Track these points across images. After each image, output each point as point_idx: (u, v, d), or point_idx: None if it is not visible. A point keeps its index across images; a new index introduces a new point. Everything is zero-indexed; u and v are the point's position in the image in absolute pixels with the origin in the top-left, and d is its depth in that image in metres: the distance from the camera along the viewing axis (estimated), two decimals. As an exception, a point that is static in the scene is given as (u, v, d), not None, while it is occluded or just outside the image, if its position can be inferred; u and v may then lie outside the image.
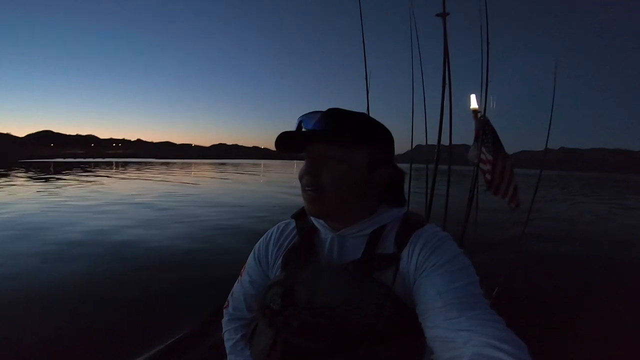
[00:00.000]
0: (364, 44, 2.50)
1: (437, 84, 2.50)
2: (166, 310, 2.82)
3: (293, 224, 0.79)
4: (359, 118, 0.67)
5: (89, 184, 14.92)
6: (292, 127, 0.68)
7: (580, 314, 2.86)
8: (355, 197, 0.67)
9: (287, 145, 0.68)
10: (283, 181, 19.67)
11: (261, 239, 0.82)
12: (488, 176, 2.67)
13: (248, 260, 0.84)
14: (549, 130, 2.92)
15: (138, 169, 30.08)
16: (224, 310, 0.86)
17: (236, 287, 0.85)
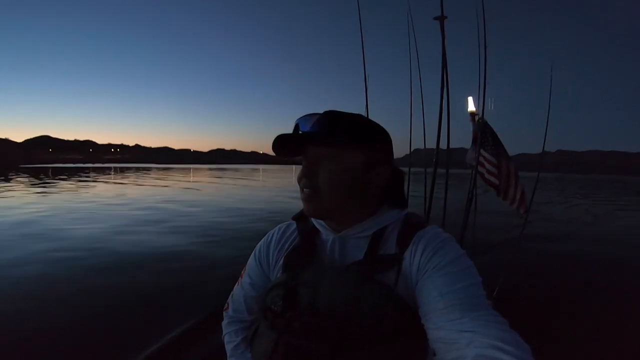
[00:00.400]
0: (363, 47, 2.51)
1: (436, 87, 2.51)
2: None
3: (294, 225, 0.79)
4: (353, 119, 0.67)
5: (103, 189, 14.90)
6: (290, 131, 0.68)
7: (580, 315, 2.85)
8: (351, 197, 0.67)
9: (285, 148, 0.68)
10: (290, 186, 19.63)
11: (262, 241, 0.82)
12: (494, 179, 2.65)
13: (249, 262, 0.83)
14: (545, 133, 2.93)
15: (148, 175, 30.16)
16: (224, 313, 0.85)
17: (236, 289, 0.84)
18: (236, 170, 52.23)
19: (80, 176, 26.60)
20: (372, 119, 0.72)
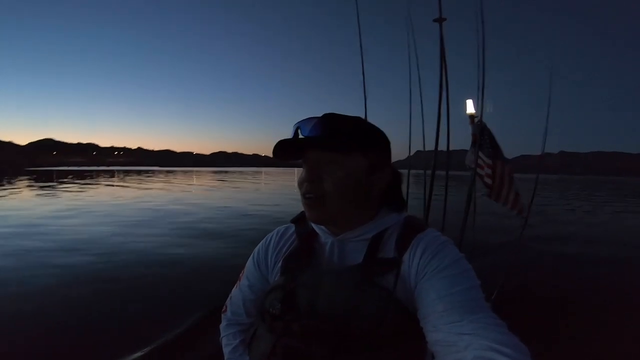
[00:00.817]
0: (362, 49, 2.52)
1: (435, 89, 2.51)
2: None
3: (292, 228, 0.79)
4: (355, 122, 0.67)
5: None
6: (291, 134, 0.68)
7: (580, 317, 2.84)
8: (355, 201, 0.67)
9: (285, 153, 0.68)
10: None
11: (260, 243, 0.82)
12: (488, 180, 2.65)
13: (247, 265, 0.83)
14: (545, 134, 2.92)
15: (156, 178, 30.23)
16: (222, 315, 0.85)
17: (235, 291, 0.84)
18: (240, 173, 52.25)
19: (94, 179, 26.70)
20: (372, 121, 0.72)
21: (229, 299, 0.85)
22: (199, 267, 4.30)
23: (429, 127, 2.62)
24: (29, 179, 24.78)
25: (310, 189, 0.65)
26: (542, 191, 20.18)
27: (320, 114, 0.67)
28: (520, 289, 3.25)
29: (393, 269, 0.63)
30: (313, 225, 0.74)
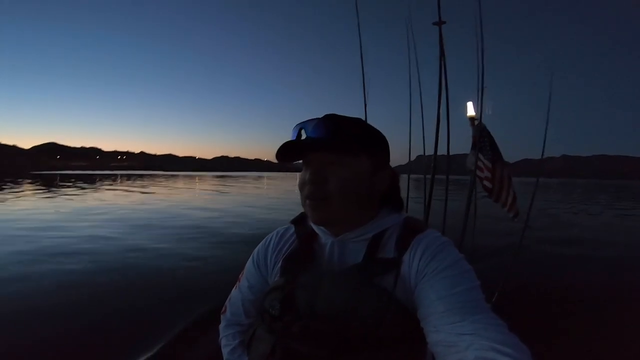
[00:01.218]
0: (362, 53, 2.53)
1: (436, 92, 2.51)
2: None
3: (292, 229, 0.79)
4: (357, 123, 0.67)
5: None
6: (292, 135, 0.67)
7: (581, 318, 2.82)
8: (358, 202, 0.67)
9: (288, 155, 0.68)
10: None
11: (260, 244, 0.82)
12: (488, 183, 2.66)
13: (247, 266, 0.83)
14: (545, 137, 2.92)
15: (169, 182, 30.16)
16: (222, 316, 0.84)
17: (234, 292, 0.83)
18: (243, 177, 52.30)
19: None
20: (373, 124, 0.72)
21: (228, 299, 0.85)
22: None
23: (429, 131, 2.62)
24: (34, 183, 24.77)
25: (314, 190, 0.65)
26: (544, 195, 20.23)
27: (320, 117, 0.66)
28: (520, 290, 3.24)
29: (393, 269, 0.63)
30: (313, 225, 0.73)
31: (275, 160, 0.69)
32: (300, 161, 0.69)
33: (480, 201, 2.75)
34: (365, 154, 0.66)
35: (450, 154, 2.65)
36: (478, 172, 2.64)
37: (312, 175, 0.65)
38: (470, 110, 2.64)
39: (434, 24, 2.43)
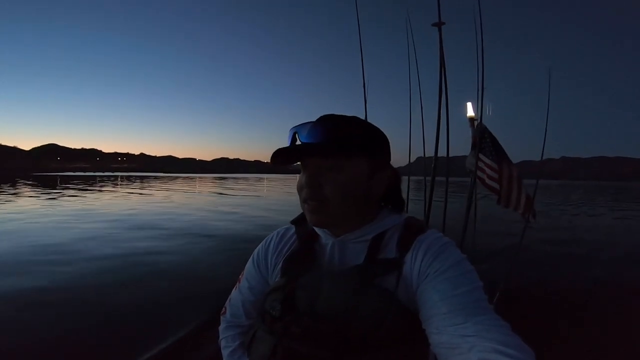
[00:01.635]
0: (362, 55, 2.53)
1: (435, 93, 2.51)
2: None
3: (293, 229, 0.79)
4: (353, 125, 0.66)
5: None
6: (288, 139, 0.67)
7: (583, 319, 2.83)
8: (357, 205, 0.66)
9: (284, 159, 0.67)
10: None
11: (260, 245, 0.81)
12: (494, 184, 2.59)
13: (247, 266, 0.82)
14: (544, 139, 2.92)
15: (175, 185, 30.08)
16: (221, 317, 0.84)
17: (234, 293, 0.83)
18: (245, 179, 52.27)
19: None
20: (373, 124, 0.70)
21: (228, 300, 0.84)
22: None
23: (429, 132, 2.61)
24: (34, 185, 24.74)
25: (311, 194, 0.65)
26: (543, 196, 20.29)
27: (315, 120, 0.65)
28: (522, 291, 3.25)
29: (394, 269, 0.63)
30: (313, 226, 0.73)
31: None
32: (299, 162, 0.68)
33: (481, 202, 2.75)
34: (362, 157, 0.65)
35: (451, 155, 2.64)
36: (479, 173, 2.61)
37: (308, 180, 0.65)
38: (470, 111, 2.64)
39: (434, 25, 2.43)
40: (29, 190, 18.66)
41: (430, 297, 0.57)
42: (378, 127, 0.70)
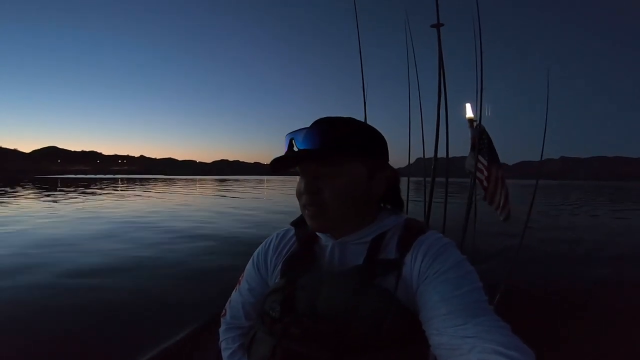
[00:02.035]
0: (361, 57, 2.54)
1: (435, 94, 2.52)
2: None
3: (292, 231, 0.79)
4: (349, 126, 0.66)
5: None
6: (284, 145, 0.67)
7: (583, 320, 2.82)
8: (356, 208, 0.66)
9: (282, 165, 0.67)
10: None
11: (260, 246, 0.81)
12: (485, 183, 2.67)
13: (247, 268, 0.82)
14: (543, 139, 2.93)
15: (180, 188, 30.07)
16: (221, 319, 0.84)
17: (234, 295, 0.83)
18: (246, 181, 52.18)
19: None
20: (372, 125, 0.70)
21: (228, 302, 0.84)
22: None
23: (429, 133, 2.62)
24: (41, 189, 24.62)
25: (310, 200, 0.65)
26: (543, 196, 20.29)
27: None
28: (522, 291, 3.25)
29: (394, 270, 0.63)
30: None
31: None
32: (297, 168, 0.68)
33: (481, 202, 2.77)
34: (359, 159, 0.65)
35: (450, 156, 2.65)
36: (478, 174, 2.65)
37: (307, 186, 0.65)
38: (469, 111, 2.65)
39: (432, 26, 2.44)
40: (41, 194, 18.64)
41: (430, 298, 0.57)
42: (377, 128, 0.70)
